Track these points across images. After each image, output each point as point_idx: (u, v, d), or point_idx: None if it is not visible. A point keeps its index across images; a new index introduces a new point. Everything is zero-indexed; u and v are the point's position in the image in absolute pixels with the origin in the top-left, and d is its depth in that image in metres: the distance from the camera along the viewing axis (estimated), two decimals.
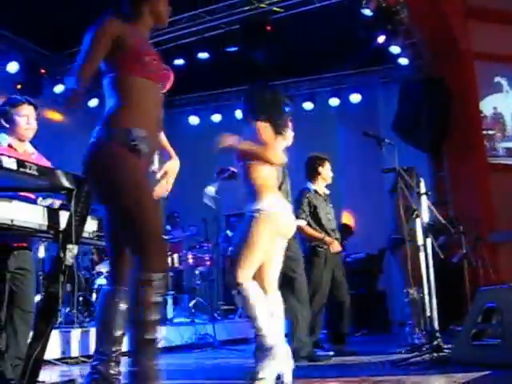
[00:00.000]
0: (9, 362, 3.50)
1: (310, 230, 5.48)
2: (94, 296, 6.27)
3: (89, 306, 6.07)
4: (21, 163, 2.46)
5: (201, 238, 8.40)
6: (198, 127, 11.06)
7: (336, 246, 5.52)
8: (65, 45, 8.80)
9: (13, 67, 8.27)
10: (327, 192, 5.74)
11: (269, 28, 8.54)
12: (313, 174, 5.67)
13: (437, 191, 9.30)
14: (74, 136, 8.24)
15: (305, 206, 5.49)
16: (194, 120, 11.19)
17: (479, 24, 9.29)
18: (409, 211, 4.89)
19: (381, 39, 8.71)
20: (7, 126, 3.71)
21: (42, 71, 8.64)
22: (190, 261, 8.00)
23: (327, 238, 5.47)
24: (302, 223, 5.40)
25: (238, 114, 10.75)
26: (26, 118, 3.72)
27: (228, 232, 8.78)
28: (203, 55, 8.92)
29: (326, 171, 5.71)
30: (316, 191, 5.61)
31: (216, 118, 11.09)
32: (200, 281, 8.08)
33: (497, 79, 9.66)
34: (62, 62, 9.09)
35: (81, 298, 5.76)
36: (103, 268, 6.73)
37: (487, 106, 9.54)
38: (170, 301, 7.40)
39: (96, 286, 6.46)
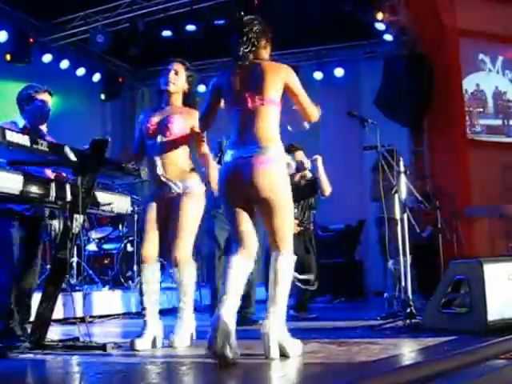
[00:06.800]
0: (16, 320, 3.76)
1: None
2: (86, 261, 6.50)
3: (81, 271, 6.30)
4: (33, 140, 2.67)
5: None
6: None
7: None
8: (53, 14, 8.87)
9: (1, 36, 8.34)
10: None
11: (257, 1, 8.64)
12: None
13: (416, 166, 9.59)
14: None
15: None
16: None
17: (465, 1, 9.44)
18: (388, 188, 5.14)
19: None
20: (27, 108, 4.06)
21: (31, 40, 8.68)
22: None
23: None
24: None
25: None
26: (44, 103, 4.10)
27: None
28: (191, 27, 8.99)
29: None
30: None
31: (201, 88, 11.22)
32: None
33: (480, 57, 9.83)
34: (51, 31, 9.16)
35: (74, 264, 6.00)
36: (94, 235, 6.95)
37: (470, 83, 9.72)
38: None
39: (87, 252, 6.70)
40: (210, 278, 5.54)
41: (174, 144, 3.89)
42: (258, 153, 3.25)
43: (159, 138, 3.88)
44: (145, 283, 3.82)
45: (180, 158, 3.92)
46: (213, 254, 5.48)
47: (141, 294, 3.85)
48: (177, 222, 3.79)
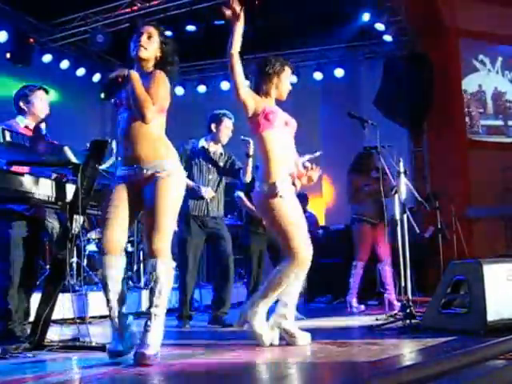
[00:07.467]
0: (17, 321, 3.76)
1: None
2: (86, 262, 6.50)
3: (81, 272, 6.30)
4: (33, 140, 2.69)
5: None
6: (183, 97, 11.17)
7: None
8: (53, 14, 8.89)
9: (1, 36, 8.36)
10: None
11: (257, 2, 8.64)
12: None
13: (415, 167, 9.60)
14: None
15: None
16: (179, 90, 11.32)
17: (465, 1, 9.45)
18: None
19: (366, 17, 8.91)
20: (25, 108, 4.10)
21: (31, 40, 8.70)
22: (176, 229, 8.14)
23: None
24: None
25: (223, 85, 10.92)
26: (41, 100, 4.13)
27: None
28: (191, 28, 9.01)
29: None
30: None
31: (201, 88, 11.26)
32: None
33: (480, 57, 9.85)
34: (51, 31, 9.18)
35: (74, 264, 6.01)
36: (93, 235, 6.95)
37: (469, 83, 9.74)
38: None
39: (87, 253, 6.70)
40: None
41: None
42: None
43: (127, 110, 3.26)
44: (108, 279, 3.24)
45: (153, 131, 3.26)
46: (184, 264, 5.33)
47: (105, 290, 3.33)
48: (152, 208, 3.15)
